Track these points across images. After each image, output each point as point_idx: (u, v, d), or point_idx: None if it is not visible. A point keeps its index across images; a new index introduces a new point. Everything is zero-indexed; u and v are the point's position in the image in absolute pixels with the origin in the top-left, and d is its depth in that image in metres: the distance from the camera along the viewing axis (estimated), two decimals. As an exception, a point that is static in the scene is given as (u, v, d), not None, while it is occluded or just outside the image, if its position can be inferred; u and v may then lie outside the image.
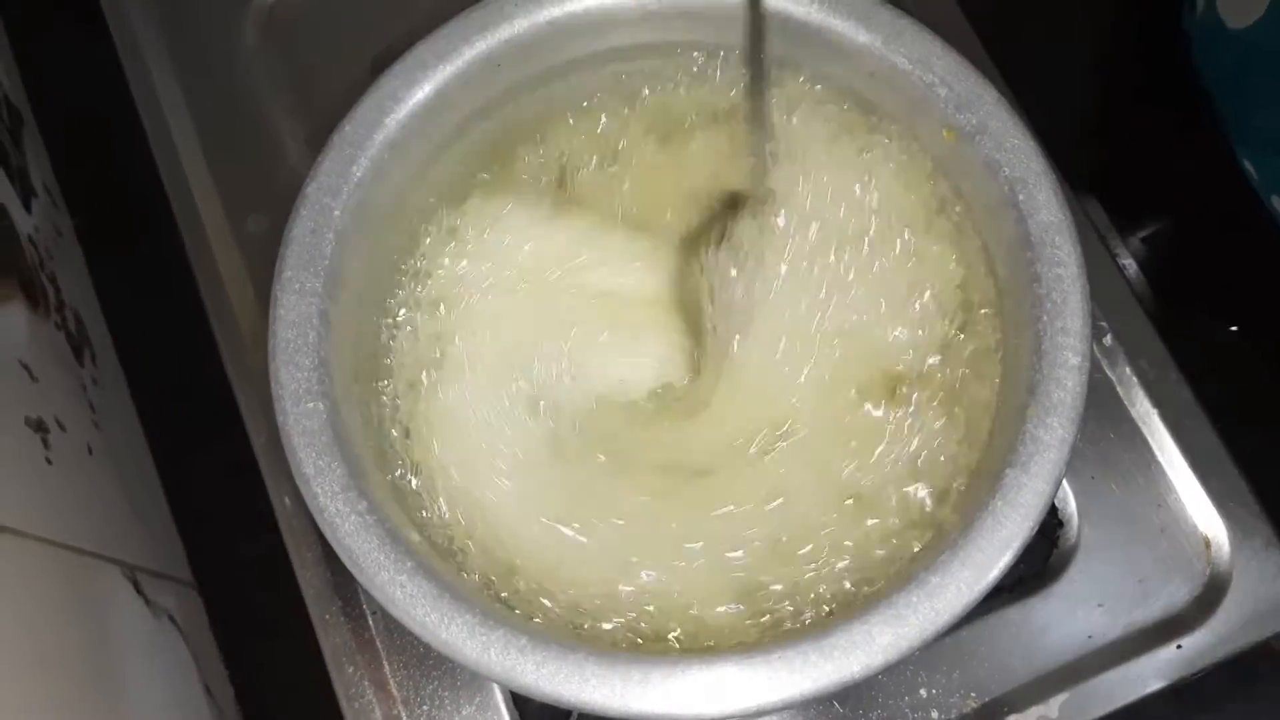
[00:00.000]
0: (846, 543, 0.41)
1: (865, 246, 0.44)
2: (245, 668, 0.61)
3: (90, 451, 0.57)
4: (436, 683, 0.47)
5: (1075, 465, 0.49)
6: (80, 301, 0.63)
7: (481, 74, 0.43)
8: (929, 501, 0.41)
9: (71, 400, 0.57)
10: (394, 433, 0.43)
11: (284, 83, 0.54)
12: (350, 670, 0.48)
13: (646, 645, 0.39)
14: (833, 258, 0.44)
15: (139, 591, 0.56)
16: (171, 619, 0.58)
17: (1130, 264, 0.53)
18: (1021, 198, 0.39)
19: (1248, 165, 0.58)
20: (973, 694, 0.46)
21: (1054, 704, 0.46)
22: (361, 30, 0.53)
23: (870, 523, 0.41)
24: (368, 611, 0.48)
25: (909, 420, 0.42)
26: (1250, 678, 0.50)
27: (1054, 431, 0.37)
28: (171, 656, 0.57)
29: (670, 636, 0.40)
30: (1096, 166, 0.56)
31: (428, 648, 0.47)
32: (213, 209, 0.53)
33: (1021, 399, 0.37)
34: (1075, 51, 0.68)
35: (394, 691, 0.47)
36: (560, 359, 0.45)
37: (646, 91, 0.47)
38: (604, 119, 0.47)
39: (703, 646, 0.39)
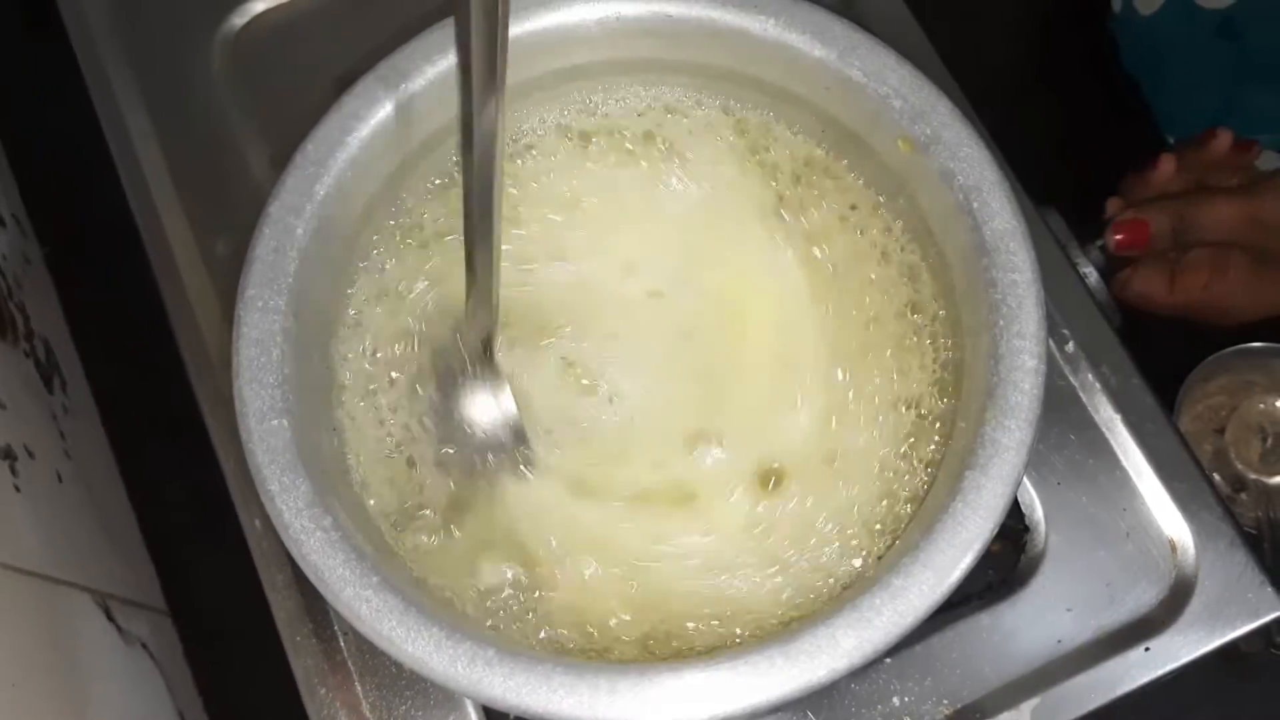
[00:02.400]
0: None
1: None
2: (219, 694, 0.61)
3: (60, 479, 0.57)
4: (409, 703, 0.47)
5: (1041, 472, 0.49)
6: (50, 330, 0.63)
7: (444, 92, 0.43)
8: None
9: (41, 428, 0.57)
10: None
11: (251, 107, 0.54)
12: (323, 692, 0.48)
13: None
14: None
15: (111, 619, 0.56)
16: (144, 647, 0.58)
17: (1091, 272, 0.53)
18: (975, 205, 0.40)
19: (1172, 143, 0.62)
20: (945, 701, 0.46)
21: (1025, 709, 0.46)
22: (328, 53, 0.53)
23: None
24: (339, 633, 0.48)
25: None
26: (1219, 680, 0.50)
27: (1012, 434, 0.37)
28: (144, 684, 0.57)
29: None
30: (1057, 179, 0.57)
31: (400, 668, 0.47)
32: (181, 234, 0.53)
33: (980, 402, 0.38)
34: (1034, 68, 0.69)
35: (366, 713, 0.47)
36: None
37: (611, 108, 0.47)
38: (568, 135, 0.48)
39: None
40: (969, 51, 0.57)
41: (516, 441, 0.43)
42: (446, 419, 0.44)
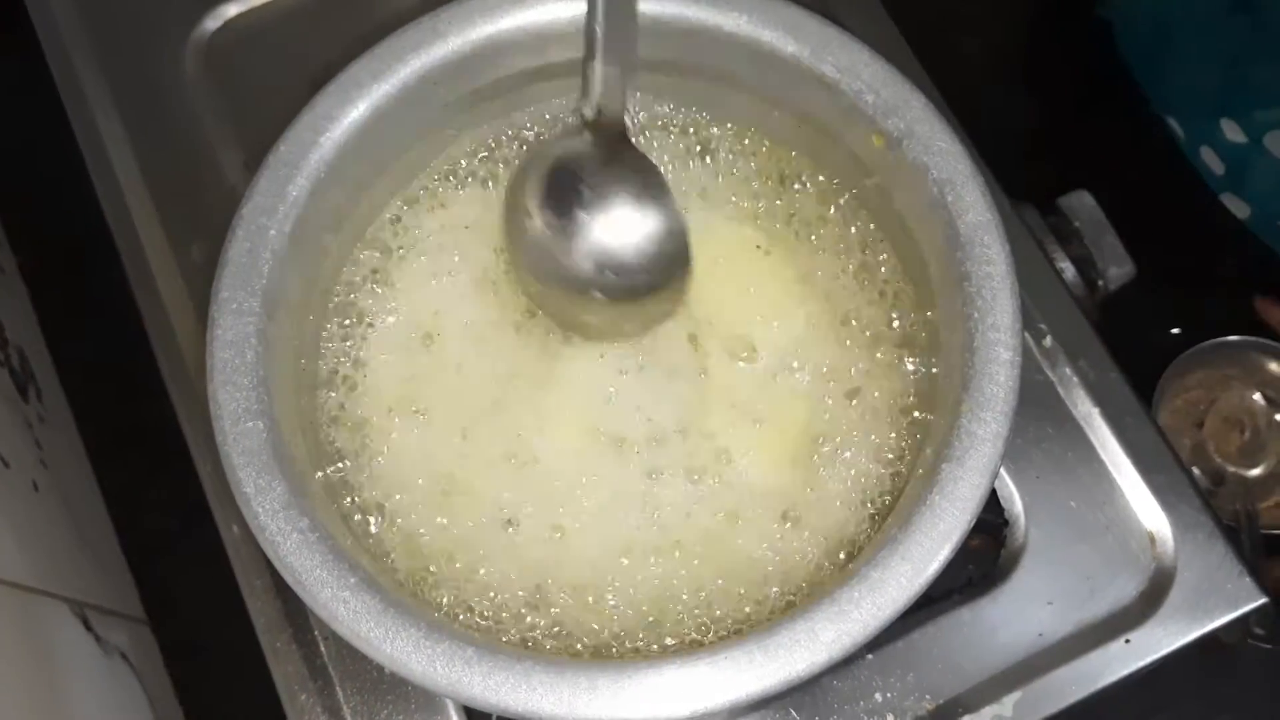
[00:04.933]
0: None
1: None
2: (200, 703, 0.60)
3: (36, 488, 0.56)
4: (390, 706, 0.47)
5: (1020, 466, 0.49)
6: (25, 339, 0.63)
7: (418, 92, 0.43)
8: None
9: (16, 438, 0.57)
10: (333, 443, 0.44)
11: (225, 112, 0.54)
12: (303, 698, 0.47)
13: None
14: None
15: (89, 629, 0.55)
16: (123, 656, 0.58)
17: (1068, 267, 0.53)
18: (950, 199, 0.40)
19: (1173, 124, 0.61)
20: (927, 696, 0.46)
21: (1008, 703, 0.46)
22: (301, 56, 0.53)
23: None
24: (319, 638, 0.48)
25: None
26: (1201, 671, 0.51)
27: (987, 425, 0.37)
28: (124, 694, 0.56)
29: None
30: (1033, 176, 0.57)
31: (380, 671, 0.47)
32: (155, 239, 0.53)
33: (956, 395, 0.38)
34: (1014, 63, 0.69)
35: (348, 718, 0.47)
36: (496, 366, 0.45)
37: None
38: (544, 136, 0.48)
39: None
40: (946, 47, 0.57)
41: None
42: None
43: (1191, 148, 0.62)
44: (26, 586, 0.51)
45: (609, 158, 0.42)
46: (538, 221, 0.42)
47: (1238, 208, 0.61)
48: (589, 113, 0.43)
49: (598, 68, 0.41)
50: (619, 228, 0.41)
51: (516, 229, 0.43)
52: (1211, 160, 0.60)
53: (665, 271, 0.42)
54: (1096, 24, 0.68)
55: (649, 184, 0.42)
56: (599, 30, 0.41)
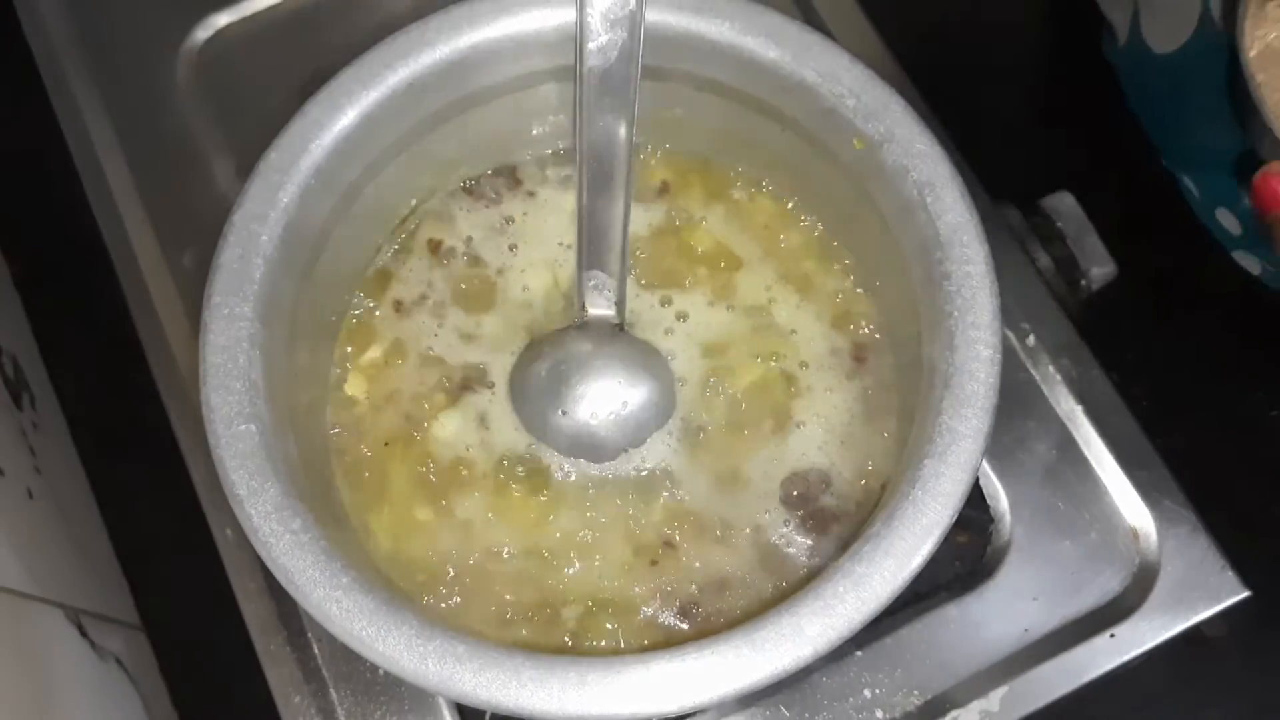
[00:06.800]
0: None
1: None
2: (195, 707, 0.60)
3: (30, 495, 0.56)
4: (384, 708, 0.48)
5: (1005, 464, 0.50)
6: (18, 347, 0.63)
7: (407, 99, 0.43)
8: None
9: (11, 445, 0.57)
10: (332, 445, 0.44)
11: (216, 118, 0.55)
12: (297, 700, 0.48)
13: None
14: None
15: (84, 635, 0.55)
16: (118, 662, 0.58)
17: (1050, 267, 0.54)
18: (930, 200, 0.41)
19: (1187, 183, 0.59)
20: (915, 692, 0.47)
21: (994, 698, 0.47)
22: (291, 64, 0.54)
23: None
24: (313, 640, 0.48)
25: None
26: (1185, 666, 0.51)
27: (968, 422, 0.38)
28: (119, 700, 0.57)
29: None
30: (1017, 177, 0.58)
31: (374, 673, 0.48)
32: (147, 246, 0.53)
33: (937, 392, 0.38)
34: (993, 69, 0.70)
35: (342, 719, 0.47)
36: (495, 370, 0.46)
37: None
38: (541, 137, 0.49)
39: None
40: (928, 55, 0.57)
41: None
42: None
43: (1206, 207, 0.59)
44: (21, 593, 0.51)
45: (596, 353, 0.45)
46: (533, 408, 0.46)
47: (1250, 264, 0.58)
48: (576, 316, 0.46)
49: (581, 277, 0.45)
50: (599, 414, 0.45)
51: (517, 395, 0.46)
52: (1228, 221, 0.57)
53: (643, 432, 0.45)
54: (1099, 65, 0.66)
55: (632, 370, 0.45)
56: (584, 245, 0.44)
